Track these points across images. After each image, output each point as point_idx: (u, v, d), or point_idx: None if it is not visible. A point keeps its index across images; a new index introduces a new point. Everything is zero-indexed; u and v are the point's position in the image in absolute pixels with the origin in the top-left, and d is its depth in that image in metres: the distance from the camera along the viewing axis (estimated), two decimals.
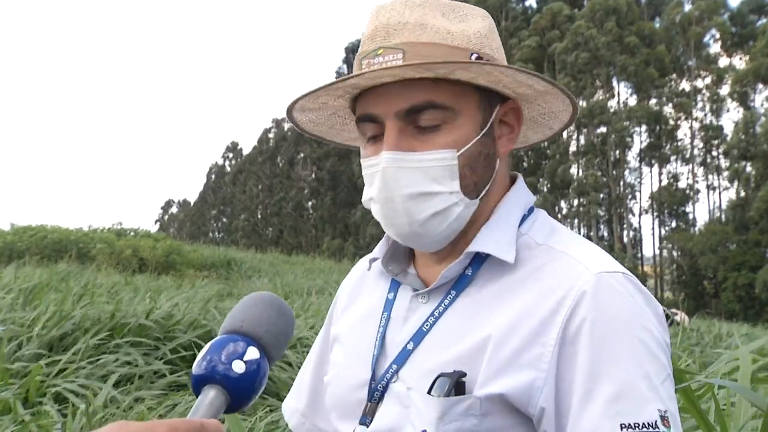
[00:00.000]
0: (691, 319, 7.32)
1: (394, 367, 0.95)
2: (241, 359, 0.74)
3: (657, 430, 0.79)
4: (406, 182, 0.89)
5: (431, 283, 0.97)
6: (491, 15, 0.99)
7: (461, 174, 0.91)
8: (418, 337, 0.94)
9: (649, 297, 0.89)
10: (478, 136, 0.92)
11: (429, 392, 0.87)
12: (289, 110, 0.99)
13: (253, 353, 0.75)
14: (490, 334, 0.87)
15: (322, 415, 1.11)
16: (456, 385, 0.86)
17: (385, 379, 0.95)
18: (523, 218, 0.97)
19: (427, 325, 0.94)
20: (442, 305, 0.94)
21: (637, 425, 0.79)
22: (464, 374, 0.86)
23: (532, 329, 0.86)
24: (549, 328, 0.85)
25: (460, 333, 0.90)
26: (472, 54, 0.91)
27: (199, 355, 0.75)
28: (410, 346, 0.94)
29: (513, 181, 1.02)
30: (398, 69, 0.87)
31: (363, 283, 1.11)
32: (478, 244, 0.93)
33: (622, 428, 0.79)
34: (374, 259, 1.05)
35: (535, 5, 54.19)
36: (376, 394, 0.96)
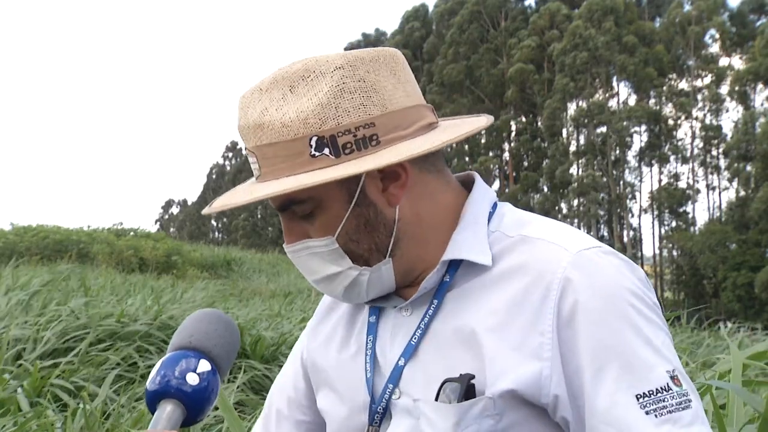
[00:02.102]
0: (691, 321, 7.34)
1: (390, 386, 0.95)
2: (194, 372, 0.76)
3: (670, 391, 0.81)
4: (309, 270, 0.95)
5: (411, 296, 0.96)
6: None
7: (347, 251, 0.92)
8: (408, 350, 0.94)
9: (630, 264, 0.90)
10: (348, 212, 0.91)
11: (436, 399, 0.87)
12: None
13: (204, 366, 0.77)
14: (481, 333, 0.88)
15: None
16: (467, 388, 0.86)
17: (384, 400, 0.95)
18: (490, 214, 0.98)
19: (415, 338, 0.94)
20: (427, 315, 0.94)
21: (651, 392, 0.81)
22: (473, 376, 0.86)
23: (527, 320, 0.86)
24: (543, 315, 0.86)
25: (450, 337, 0.91)
26: (311, 138, 0.88)
27: (152, 372, 0.77)
28: (401, 362, 0.94)
29: (469, 180, 1.02)
30: (233, 201, 0.94)
31: (340, 316, 1.08)
32: (452, 252, 0.93)
33: (638, 399, 0.81)
34: None
35: (534, 5, 54.21)
36: (377, 416, 0.96)
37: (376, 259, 0.93)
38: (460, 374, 0.87)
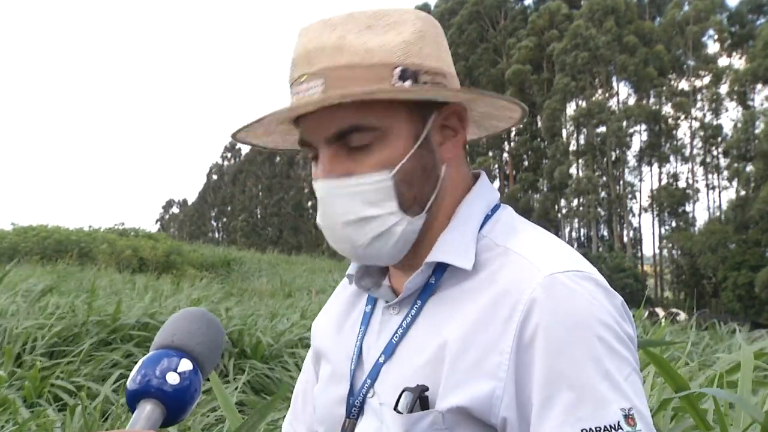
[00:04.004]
0: (691, 319, 7.32)
1: (369, 381, 0.94)
2: (175, 371, 0.75)
3: (620, 430, 0.78)
4: (343, 209, 0.89)
5: (401, 291, 0.95)
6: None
7: (398, 192, 0.89)
8: (389, 349, 0.93)
9: (608, 291, 0.86)
10: (412, 150, 0.89)
11: (396, 407, 0.86)
12: (234, 137, 0.99)
13: (185, 365, 0.76)
14: (447, 344, 0.86)
15: (303, 423, 1.13)
16: (420, 399, 0.85)
17: (361, 395, 0.94)
18: (487, 218, 0.95)
19: (396, 336, 0.93)
20: (409, 316, 0.93)
21: (598, 429, 0.78)
22: (426, 389, 0.85)
23: (489, 337, 0.84)
24: (504, 335, 0.83)
25: (422, 344, 0.89)
26: (395, 68, 0.87)
27: (133, 371, 0.76)
28: (381, 359, 0.93)
29: (476, 179, 1.00)
30: (315, 100, 0.86)
31: (345, 298, 1.10)
32: (435, 254, 0.91)
33: None
34: (351, 275, 1.04)
35: (532, 4, 54.19)
36: (354, 409, 0.95)
37: (414, 212, 0.91)
38: (417, 384, 0.86)
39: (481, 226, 0.94)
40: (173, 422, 0.75)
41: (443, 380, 0.85)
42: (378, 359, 0.94)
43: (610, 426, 0.78)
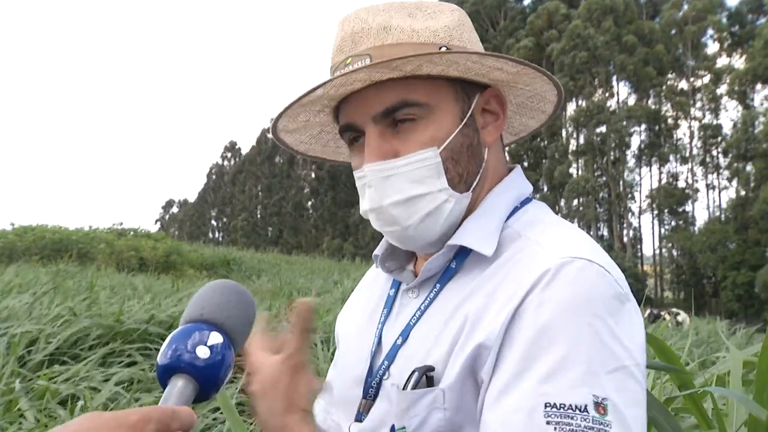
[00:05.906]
0: (691, 319, 7.33)
1: (386, 363, 0.94)
2: (205, 344, 0.72)
3: (586, 414, 0.74)
4: (391, 191, 0.90)
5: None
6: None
7: (445, 168, 0.90)
8: (406, 331, 0.94)
9: (616, 288, 0.83)
10: (459, 128, 0.92)
11: (404, 387, 0.87)
12: (275, 134, 1.00)
13: (216, 338, 0.74)
14: (458, 326, 0.87)
15: None
16: (427, 378, 0.85)
17: (378, 376, 0.95)
18: (516, 210, 0.96)
19: (413, 319, 0.94)
20: (428, 299, 0.94)
21: (563, 406, 0.75)
22: (432, 368, 0.86)
23: (491, 319, 0.84)
24: (501, 314, 0.83)
25: (437, 326, 0.90)
26: (440, 48, 0.90)
27: (163, 346, 0.74)
28: (399, 341, 0.94)
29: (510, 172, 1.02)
30: (362, 72, 0.86)
31: (372, 281, 1.12)
32: (458, 237, 0.92)
33: (546, 407, 0.75)
34: (377, 255, 1.06)
35: (531, 4, 54.15)
36: (371, 390, 0.95)
37: (461, 190, 0.92)
38: (425, 364, 0.87)
39: (509, 217, 0.95)
40: (206, 397, 0.73)
41: (450, 361, 0.86)
42: (396, 341, 0.95)
43: (576, 406, 0.75)
